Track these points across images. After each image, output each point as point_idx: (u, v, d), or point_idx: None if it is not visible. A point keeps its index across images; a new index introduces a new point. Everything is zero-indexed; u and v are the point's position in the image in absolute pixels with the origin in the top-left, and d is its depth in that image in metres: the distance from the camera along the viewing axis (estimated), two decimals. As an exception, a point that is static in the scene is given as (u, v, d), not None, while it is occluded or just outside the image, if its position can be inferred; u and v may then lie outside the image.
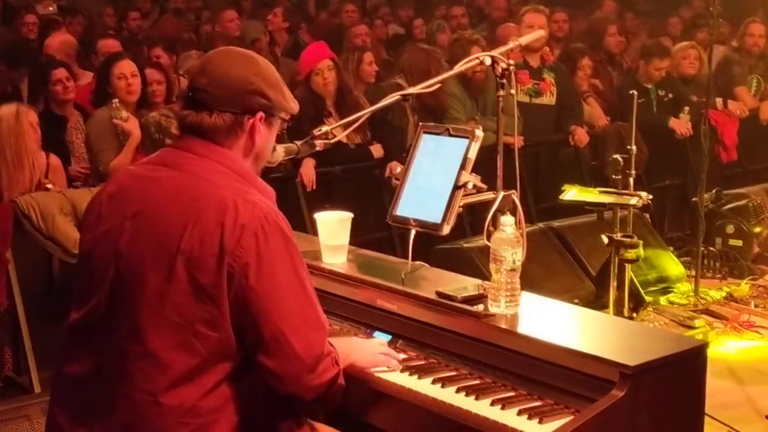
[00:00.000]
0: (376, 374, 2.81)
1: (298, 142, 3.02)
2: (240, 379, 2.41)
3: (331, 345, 2.53)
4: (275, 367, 2.38)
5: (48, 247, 4.95)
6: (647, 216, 6.30)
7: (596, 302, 5.28)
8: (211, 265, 2.31)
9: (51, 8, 9.55)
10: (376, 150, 6.33)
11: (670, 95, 7.62)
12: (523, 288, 2.89)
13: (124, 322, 2.36)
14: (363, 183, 6.35)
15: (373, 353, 2.82)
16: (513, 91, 3.14)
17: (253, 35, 8.91)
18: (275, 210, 2.44)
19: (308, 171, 6.01)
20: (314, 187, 6.04)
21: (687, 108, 7.36)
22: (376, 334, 3.05)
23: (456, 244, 5.26)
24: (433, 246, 5.17)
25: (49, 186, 5.12)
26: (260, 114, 2.48)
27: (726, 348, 5.23)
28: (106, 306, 2.40)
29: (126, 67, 5.66)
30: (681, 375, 2.62)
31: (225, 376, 2.38)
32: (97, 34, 8.32)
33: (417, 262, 3.19)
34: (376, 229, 5.87)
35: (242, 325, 2.36)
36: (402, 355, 2.91)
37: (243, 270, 2.32)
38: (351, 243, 3.40)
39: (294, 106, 2.59)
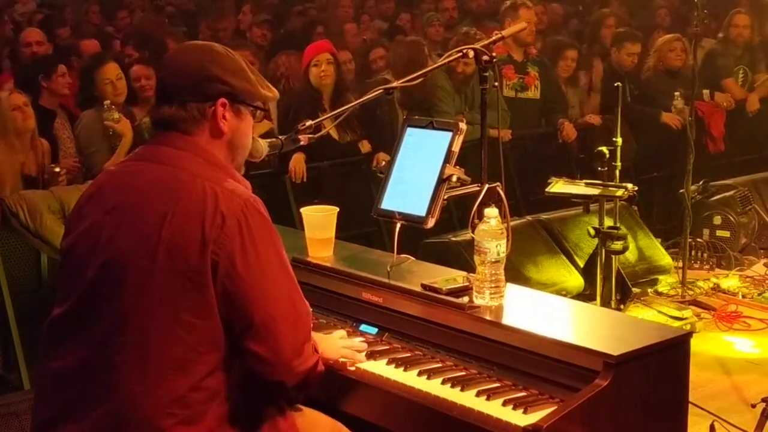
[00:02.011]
0: (362, 366, 2.83)
1: (282, 137, 3.03)
2: (229, 370, 2.41)
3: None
4: (265, 353, 2.39)
5: (36, 245, 4.96)
6: (635, 208, 6.32)
7: (584, 294, 5.31)
8: (193, 253, 2.32)
9: (31, 5, 9.53)
10: (365, 146, 6.34)
11: (636, 92, 7.64)
12: (511, 280, 2.91)
13: (108, 314, 2.37)
14: (351, 178, 6.37)
15: (336, 347, 2.83)
16: (497, 84, 3.16)
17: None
18: (253, 196, 2.46)
19: (298, 164, 6.04)
20: (304, 180, 6.05)
21: (677, 94, 7.37)
22: (362, 327, 3.07)
23: (444, 237, 5.27)
24: (421, 240, 5.19)
25: (57, 169, 5.20)
26: (222, 100, 2.47)
27: (713, 338, 5.25)
28: (89, 300, 2.40)
29: (111, 71, 5.70)
30: (665, 364, 2.63)
31: (214, 366, 2.38)
32: (79, 33, 8.31)
33: (403, 255, 3.20)
34: (365, 224, 5.88)
35: (230, 312, 2.36)
36: (360, 338, 2.95)
37: (229, 258, 2.33)
38: (340, 238, 3.41)
39: (267, 93, 2.58)
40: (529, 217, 5.95)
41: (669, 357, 2.64)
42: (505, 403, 2.56)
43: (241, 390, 2.46)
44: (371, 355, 2.89)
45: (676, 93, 7.42)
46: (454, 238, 5.24)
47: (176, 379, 2.34)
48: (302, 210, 3.36)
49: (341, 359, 2.83)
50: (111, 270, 2.38)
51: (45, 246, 4.93)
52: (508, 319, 2.78)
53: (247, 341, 2.39)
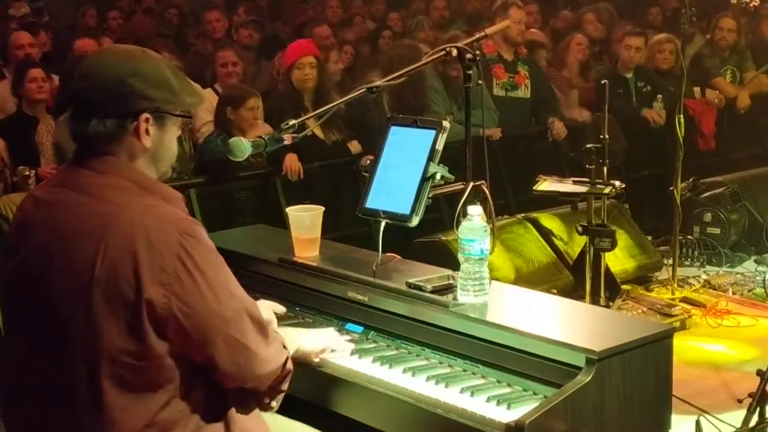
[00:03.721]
0: (347, 365, 2.84)
1: (266, 136, 3.03)
2: (188, 397, 2.36)
3: (275, 331, 2.56)
4: (230, 367, 2.35)
5: (26, 248, 4.94)
6: (626, 206, 6.33)
7: (574, 292, 5.31)
8: (129, 298, 2.22)
9: (24, 9, 9.55)
10: (354, 146, 6.35)
11: (648, 87, 7.66)
12: (501, 279, 2.92)
13: (52, 359, 2.30)
14: (341, 179, 6.37)
15: (318, 338, 2.85)
16: (481, 82, 3.17)
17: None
18: (185, 218, 2.35)
19: (292, 162, 6.01)
20: (301, 176, 6.03)
21: (660, 96, 7.42)
22: (348, 326, 3.08)
23: (434, 236, 5.27)
24: (412, 239, 5.20)
25: (27, 173, 5.17)
26: (144, 116, 2.35)
27: (703, 335, 5.26)
28: (33, 343, 2.33)
29: None
30: (648, 360, 2.65)
31: (170, 398, 2.32)
32: (71, 35, 8.30)
33: (388, 254, 3.21)
34: (356, 225, 5.87)
35: (188, 346, 2.29)
36: (347, 336, 2.97)
37: (179, 297, 2.24)
38: (331, 238, 3.42)
39: (191, 100, 2.46)
40: (519, 216, 5.95)
41: (652, 352, 2.65)
42: (488, 400, 2.58)
43: (204, 411, 2.41)
44: (356, 353, 2.90)
45: (659, 96, 7.46)
46: (444, 237, 5.24)
47: (131, 417, 2.27)
48: (287, 210, 3.37)
49: (325, 353, 2.85)
50: (47, 318, 2.28)
51: (35, 249, 4.92)
52: (491, 317, 2.79)
53: (214, 361, 2.34)
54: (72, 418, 2.30)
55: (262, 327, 2.44)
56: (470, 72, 3.10)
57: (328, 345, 2.85)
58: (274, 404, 2.54)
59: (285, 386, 2.53)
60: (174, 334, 2.26)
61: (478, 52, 3.09)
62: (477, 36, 3.22)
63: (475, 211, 2.82)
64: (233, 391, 2.44)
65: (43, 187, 2.51)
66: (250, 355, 2.38)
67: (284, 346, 2.54)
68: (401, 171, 3.05)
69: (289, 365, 2.52)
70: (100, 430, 2.27)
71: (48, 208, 2.37)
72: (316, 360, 2.85)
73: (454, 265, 3.15)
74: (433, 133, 3.01)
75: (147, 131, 2.36)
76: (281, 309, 3.07)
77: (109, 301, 2.22)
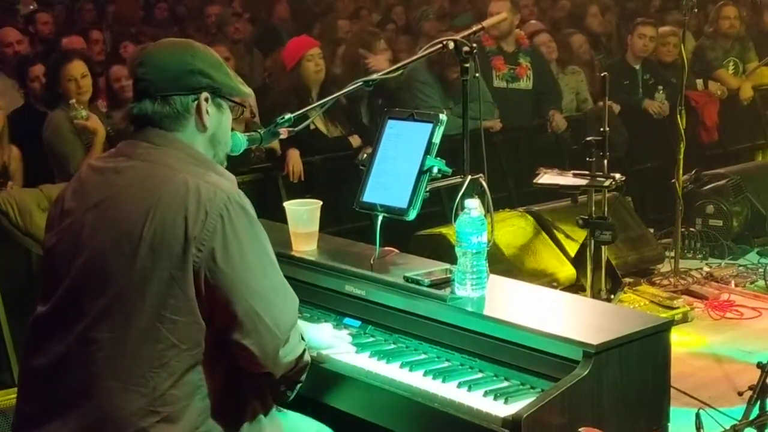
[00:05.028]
0: (345, 360, 2.83)
1: (261, 130, 3.02)
2: (212, 365, 2.40)
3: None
4: (250, 345, 2.38)
5: (26, 243, 4.95)
6: (629, 198, 6.32)
7: (576, 285, 5.30)
8: (176, 251, 2.31)
9: (32, 6, 9.55)
10: (355, 140, 6.33)
11: (652, 80, 7.63)
12: (503, 272, 2.90)
13: (89, 312, 2.35)
14: (343, 173, 6.34)
15: (326, 335, 2.86)
16: (478, 74, 3.15)
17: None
18: (237, 190, 2.44)
19: (296, 163, 5.98)
20: (302, 179, 6.00)
21: (661, 87, 7.39)
22: (345, 320, 3.07)
23: (434, 230, 5.27)
24: (412, 233, 5.20)
25: None
26: (205, 94, 2.47)
27: (706, 328, 5.26)
28: (71, 298, 2.39)
29: (75, 69, 5.56)
30: (645, 352, 2.63)
31: (196, 361, 2.37)
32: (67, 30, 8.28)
33: (386, 248, 3.20)
34: (358, 219, 5.85)
35: (213, 308, 2.35)
36: (345, 331, 2.96)
37: (210, 253, 2.32)
38: (333, 232, 3.40)
39: (245, 89, 2.58)
40: (520, 209, 5.95)
41: (649, 345, 2.63)
42: (486, 394, 2.56)
43: (223, 384, 2.45)
44: (354, 348, 2.89)
45: (660, 87, 7.43)
46: (444, 231, 5.24)
47: (157, 376, 2.33)
48: (285, 204, 3.35)
49: (327, 351, 2.84)
50: (93, 268, 2.37)
51: (35, 244, 4.91)
52: (489, 311, 2.77)
53: (233, 334, 2.38)
54: (96, 368, 2.33)
55: (287, 311, 2.46)
56: (467, 65, 3.08)
57: (333, 347, 2.86)
58: (290, 394, 2.58)
59: (302, 377, 2.56)
60: (204, 290, 2.33)
61: (474, 45, 3.07)
62: (474, 29, 3.20)
63: (472, 204, 2.80)
64: (252, 379, 2.47)
65: (100, 158, 2.61)
66: (267, 333, 2.39)
67: (302, 338, 2.55)
68: (398, 164, 3.04)
69: (307, 357, 2.55)
70: (126, 382, 2.31)
71: (104, 173, 2.48)
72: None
73: (455, 259, 3.14)
74: (429, 126, 3.00)
75: (207, 111, 2.48)
76: None
77: (157, 256, 2.31)
